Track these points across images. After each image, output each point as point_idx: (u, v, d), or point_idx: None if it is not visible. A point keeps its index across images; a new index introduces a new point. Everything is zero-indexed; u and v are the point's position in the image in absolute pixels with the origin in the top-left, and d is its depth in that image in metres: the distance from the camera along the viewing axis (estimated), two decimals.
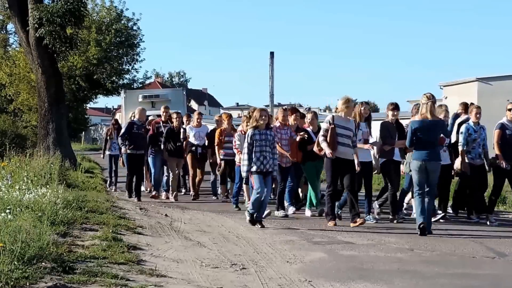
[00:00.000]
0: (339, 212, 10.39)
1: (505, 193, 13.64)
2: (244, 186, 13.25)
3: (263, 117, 9.62)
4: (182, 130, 13.53)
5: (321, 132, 9.84)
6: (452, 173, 11.19)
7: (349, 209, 9.73)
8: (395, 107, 10.66)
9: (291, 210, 11.25)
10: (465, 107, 11.80)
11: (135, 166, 13.46)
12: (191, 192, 13.98)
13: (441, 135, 9.42)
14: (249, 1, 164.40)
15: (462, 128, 10.91)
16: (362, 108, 10.55)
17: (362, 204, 10.49)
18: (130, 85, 41.29)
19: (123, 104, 22.43)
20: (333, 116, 9.93)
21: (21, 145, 18.58)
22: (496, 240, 8.93)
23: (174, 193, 13.43)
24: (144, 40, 42.62)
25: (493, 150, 10.84)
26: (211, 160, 13.65)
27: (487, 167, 10.94)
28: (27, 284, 5.03)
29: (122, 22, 41.48)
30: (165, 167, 13.96)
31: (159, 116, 14.72)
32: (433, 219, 9.69)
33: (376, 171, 10.86)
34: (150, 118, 15.14)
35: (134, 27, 42.07)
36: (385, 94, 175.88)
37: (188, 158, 13.87)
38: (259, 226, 9.42)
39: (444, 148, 10.44)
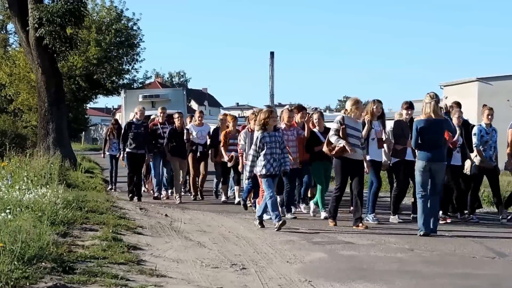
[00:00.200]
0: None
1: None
2: (235, 187, 13.25)
3: (274, 118, 9.50)
4: (185, 130, 13.39)
5: (332, 132, 9.70)
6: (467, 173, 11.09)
7: (353, 212, 9.66)
8: (409, 105, 10.53)
9: (306, 208, 11.00)
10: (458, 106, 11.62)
11: (135, 165, 13.41)
12: (192, 192, 13.93)
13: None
14: (249, 0, 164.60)
15: (475, 130, 10.84)
16: (375, 107, 10.34)
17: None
18: (130, 85, 41.25)
19: (123, 104, 22.45)
20: (343, 116, 9.78)
21: (21, 145, 18.59)
22: (496, 240, 8.93)
23: (179, 194, 13.16)
24: (144, 40, 42.65)
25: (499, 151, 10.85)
26: (214, 160, 13.55)
27: (502, 169, 10.88)
28: (27, 284, 5.03)
29: (122, 22, 41.45)
30: (165, 168, 13.91)
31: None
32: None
33: (384, 168, 10.74)
34: (152, 116, 15.09)
35: (134, 27, 42.06)
36: (385, 94, 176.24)
37: (189, 158, 13.80)
38: (280, 223, 9.11)
39: (457, 149, 10.42)
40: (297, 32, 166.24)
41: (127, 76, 42.87)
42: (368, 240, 8.55)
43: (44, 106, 19.54)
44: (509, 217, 10.83)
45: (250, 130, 11.53)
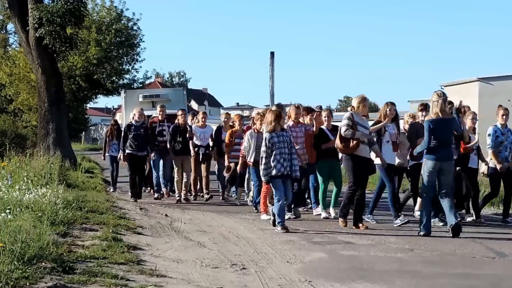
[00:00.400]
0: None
1: None
2: (238, 188, 13.21)
3: (283, 119, 9.40)
4: (188, 128, 13.28)
5: (344, 128, 9.46)
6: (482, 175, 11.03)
7: (354, 211, 9.65)
8: (424, 107, 10.44)
9: (321, 211, 10.80)
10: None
11: (136, 166, 13.35)
12: (193, 193, 13.88)
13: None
14: (249, 0, 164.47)
15: (490, 130, 10.69)
16: (388, 109, 10.15)
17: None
18: (130, 85, 41.25)
19: (123, 104, 22.41)
20: (352, 113, 9.64)
21: (21, 145, 18.60)
22: (496, 240, 8.92)
23: (182, 193, 13.06)
24: (144, 40, 42.65)
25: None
26: (216, 159, 13.46)
27: None
28: (27, 284, 5.03)
29: (122, 22, 41.44)
30: (161, 166, 13.86)
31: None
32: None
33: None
34: (153, 115, 15.06)
35: (134, 27, 42.05)
36: (385, 94, 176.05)
37: (191, 160, 13.70)
38: (284, 231, 9.05)
39: (474, 151, 10.40)
40: (297, 32, 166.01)
41: (127, 76, 42.92)
42: (368, 240, 8.55)
43: (44, 106, 19.53)
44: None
45: (256, 130, 11.36)
